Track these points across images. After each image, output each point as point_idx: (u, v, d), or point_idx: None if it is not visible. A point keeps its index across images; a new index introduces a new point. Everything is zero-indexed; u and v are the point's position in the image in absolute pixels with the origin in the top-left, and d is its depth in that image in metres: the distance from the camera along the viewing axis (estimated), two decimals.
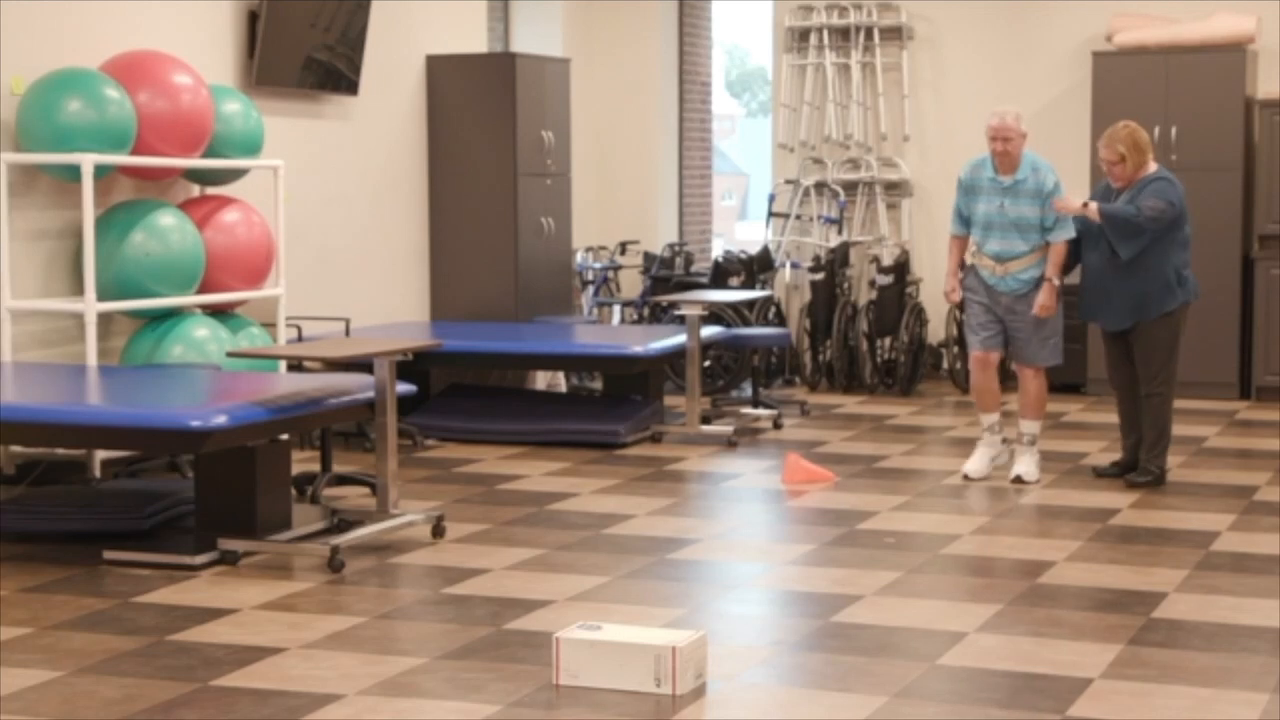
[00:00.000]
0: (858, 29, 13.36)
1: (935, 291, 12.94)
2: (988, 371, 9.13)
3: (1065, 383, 12.48)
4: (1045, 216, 8.90)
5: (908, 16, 13.26)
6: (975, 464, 9.19)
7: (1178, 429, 10.85)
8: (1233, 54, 12.04)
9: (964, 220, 9.18)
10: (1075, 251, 9.01)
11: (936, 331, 13.06)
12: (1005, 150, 8.89)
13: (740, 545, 7.68)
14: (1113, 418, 11.25)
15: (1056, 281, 8.90)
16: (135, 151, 8.89)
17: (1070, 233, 8.93)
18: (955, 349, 12.61)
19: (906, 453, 9.97)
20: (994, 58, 13.11)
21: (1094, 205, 8.73)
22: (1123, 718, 5.12)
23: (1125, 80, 12.18)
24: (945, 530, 7.85)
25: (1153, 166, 8.89)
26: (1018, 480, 9.01)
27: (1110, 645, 5.91)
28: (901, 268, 12.62)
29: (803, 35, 13.54)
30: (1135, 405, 9.05)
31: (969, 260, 9.20)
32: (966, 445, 10.20)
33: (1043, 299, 8.88)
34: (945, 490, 8.82)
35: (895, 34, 13.33)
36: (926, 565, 7.17)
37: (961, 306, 9.47)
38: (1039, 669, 5.63)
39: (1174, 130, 12.09)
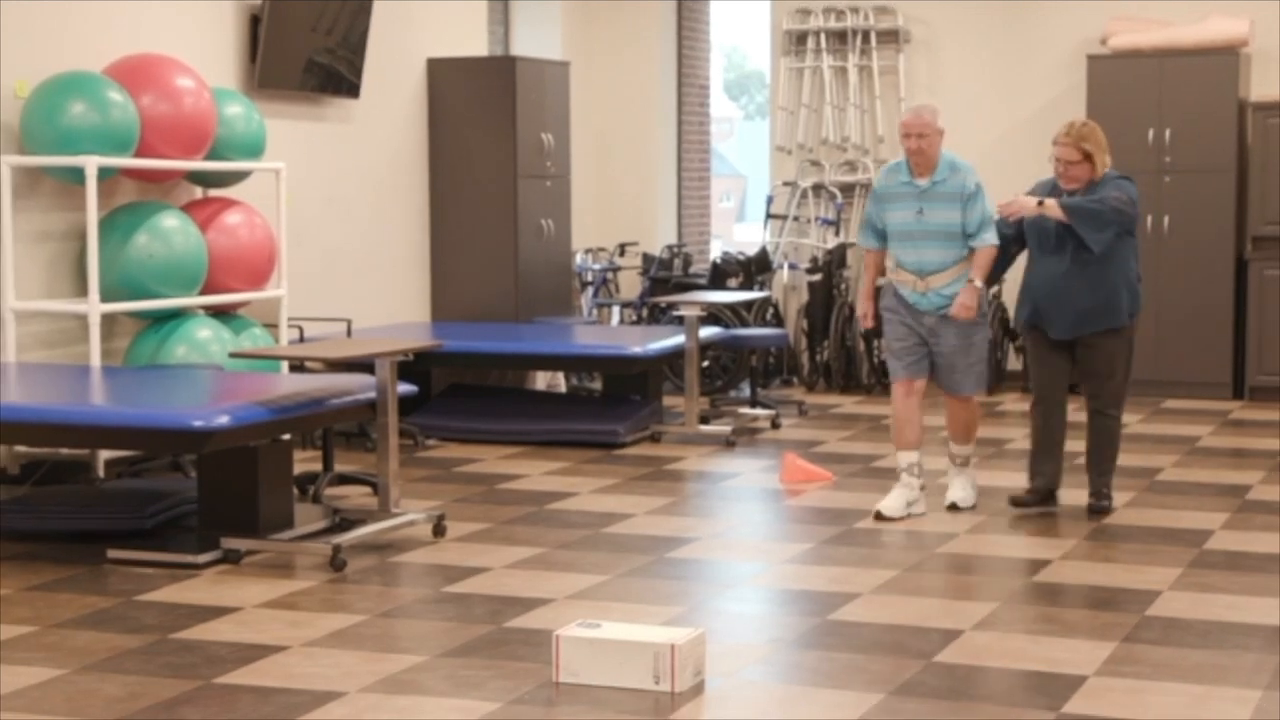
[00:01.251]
0: (854, 32, 13.37)
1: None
2: (911, 400, 8.15)
3: None
4: (967, 221, 8.00)
5: (904, 20, 13.27)
6: (891, 502, 8.12)
7: (1171, 428, 10.87)
8: (1226, 57, 12.05)
9: (878, 233, 8.23)
10: (1002, 259, 8.23)
11: None
12: (920, 148, 7.99)
13: (738, 544, 7.69)
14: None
15: (979, 283, 8.02)
16: (138, 154, 8.90)
17: (995, 237, 8.05)
18: None
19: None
20: (989, 61, 13.12)
21: (1051, 202, 7.89)
22: (1117, 715, 5.12)
23: (1120, 83, 12.18)
24: (941, 529, 7.85)
25: (1108, 168, 8.12)
26: (953, 507, 8.26)
27: (1105, 643, 5.91)
28: None
29: (800, 38, 13.55)
30: (1064, 427, 8.24)
31: (888, 276, 8.30)
32: None
33: (963, 298, 7.98)
34: (939, 490, 8.82)
35: (892, 37, 13.33)
36: (923, 563, 7.17)
37: (878, 331, 8.55)
38: (1034, 666, 5.64)
39: (1168, 133, 12.10)
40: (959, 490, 8.35)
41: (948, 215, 7.98)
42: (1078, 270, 7.95)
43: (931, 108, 8.15)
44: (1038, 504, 8.19)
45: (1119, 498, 8.52)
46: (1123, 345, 8.07)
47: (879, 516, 8.03)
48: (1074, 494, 8.63)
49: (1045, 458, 8.20)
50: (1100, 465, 8.21)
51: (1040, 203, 7.91)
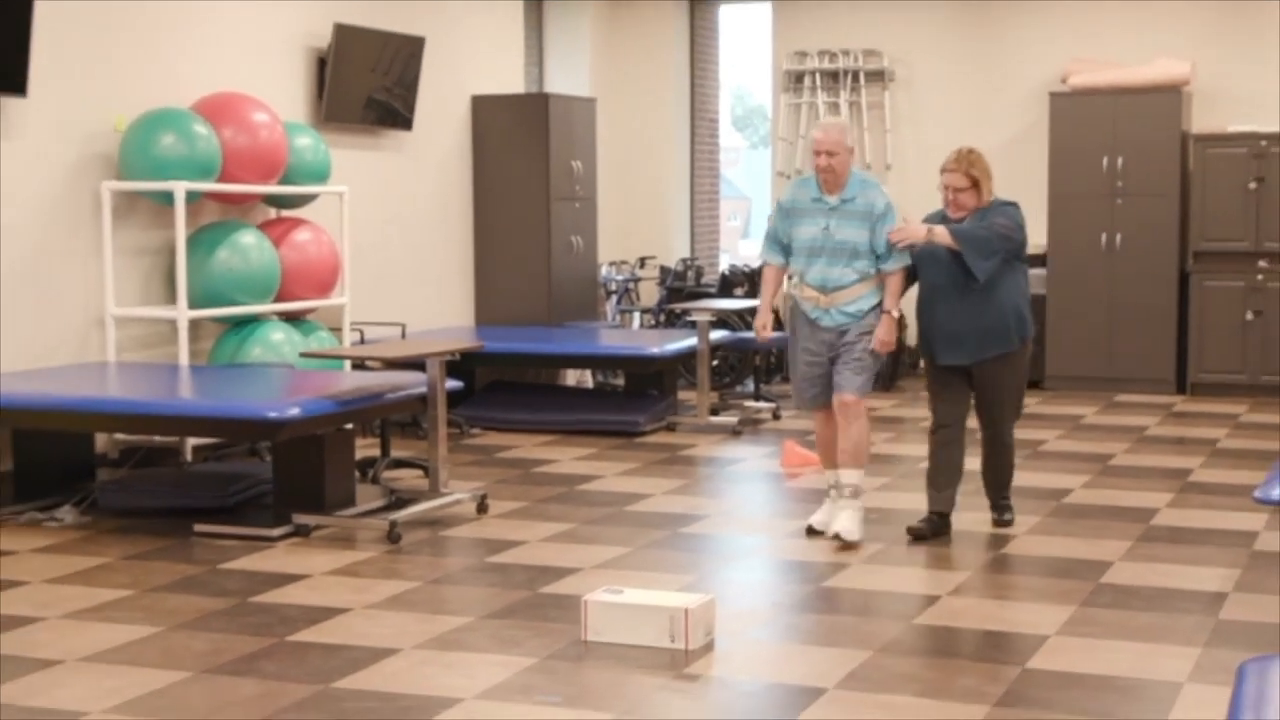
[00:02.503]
0: (845, 73, 13.35)
1: (912, 299, 12.93)
2: (832, 422, 7.17)
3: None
4: (877, 242, 7.07)
5: (889, 62, 13.25)
6: (845, 524, 7.03)
7: (1122, 419, 10.85)
8: (1171, 95, 12.02)
9: (781, 247, 7.28)
10: (911, 280, 7.34)
11: (913, 335, 13.03)
12: (830, 165, 7.05)
13: (744, 520, 7.69)
14: (1071, 408, 11.26)
15: (896, 313, 7.13)
16: (221, 179, 8.92)
17: (906, 259, 7.14)
18: None
19: (888, 440, 9.97)
20: (964, 97, 13.10)
21: (940, 229, 7.01)
22: (1075, 669, 5.13)
23: (1078, 117, 12.16)
24: (921, 507, 7.82)
25: (994, 195, 7.20)
26: (836, 538, 7.01)
27: (1064, 606, 5.92)
28: None
29: (798, 78, 13.54)
30: (962, 451, 7.28)
31: (790, 292, 7.40)
32: None
33: (882, 333, 7.06)
34: (920, 473, 8.80)
35: (878, 77, 13.32)
36: (904, 537, 7.17)
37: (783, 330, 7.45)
38: (1002, 627, 5.65)
39: (1120, 160, 12.07)
40: (844, 521, 7.01)
41: (855, 233, 7.07)
42: (966, 297, 7.09)
43: (841, 125, 7.28)
44: (935, 534, 7.16)
45: (1076, 479, 8.51)
46: (1013, 369, 7.21)
47: (842, 543, 6.95)
48: (1038, 476, 8.62)
49: (943, 484, 7.26)
50: (998, 485, 7.42)
51: (930, 230, 7.07)
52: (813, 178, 7.20)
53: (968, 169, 7.06)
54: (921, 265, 7.19)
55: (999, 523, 7.36)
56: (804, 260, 7.18)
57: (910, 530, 7.15)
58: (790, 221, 7.23)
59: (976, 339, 7.08)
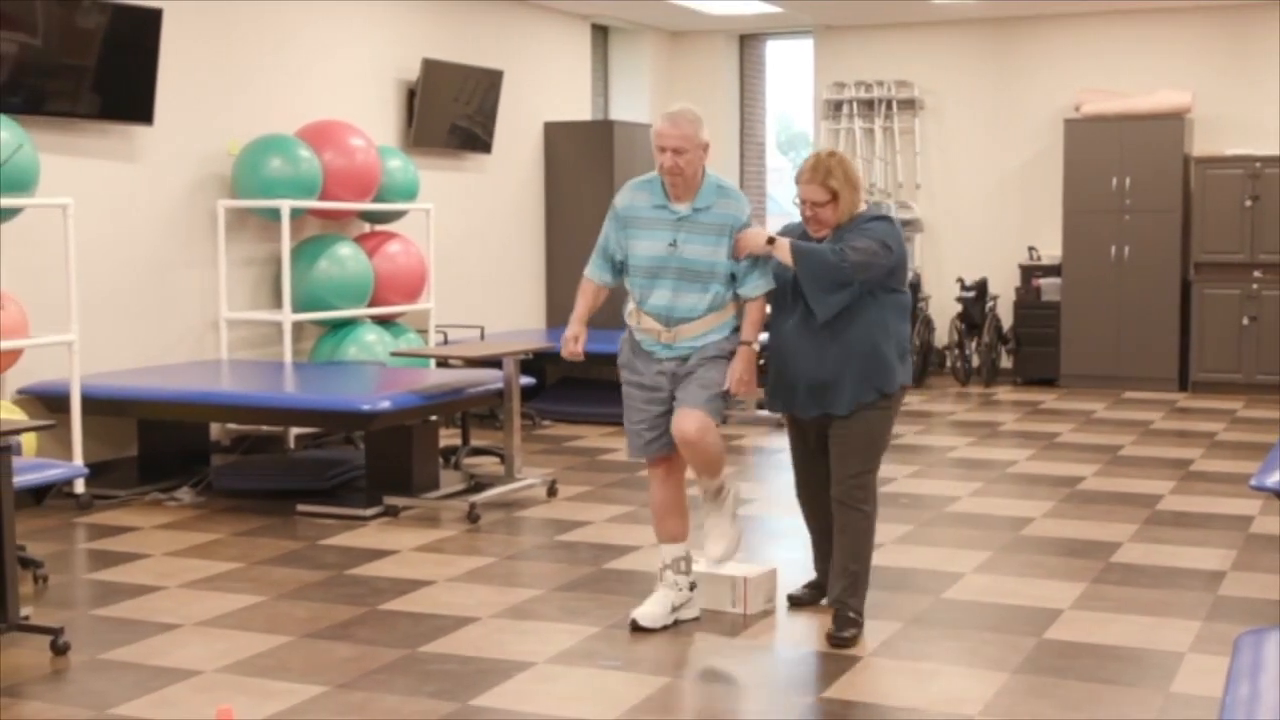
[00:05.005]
0: (880, 101, 13.29)
1: (941, 305, 12.87)
2: (670, 481, 5.22)
3: (1040, 377, 12.38)
4: (738, 262, 5.04)
5: (919, 91, 13.18)
6: (649, 608, 5.16)
7: (1129, 414, 10.74)
8: (1173, 121, 11.90)
9: (610, 264, 5.23)
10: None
11: (941, 337, 12.99)
12: (678, 167, 4.96)
13: (788, 503, 7.63)
14: (1083, 404, 11.17)
15: (756, 346, 5.07)
16: (321, 198, 8.96)
17: (771, 283, 5.09)
18: (956, 350, 12.50)
19: (918, 432, 9.92)
20: (986, 123, 13.01)
21: (784, 242, 5.00)
22: (1086, 640, 5.08)
23: (1089, 142, 12.06)
24: (948, 493, 7.80)
25: (863, 206, 5.14)
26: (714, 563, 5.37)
27: (1077, 583, 5.87)
28: (914, 287, 12.53)
29: (837, 106, 13.48)
30: (829, 517, 5.25)
31: (626, 320, 5.20)
32: (966, 427, 10.13)
33: (740, 370, 5.01)
34: (948, 462, 8.77)
35: (909, 105, 13.25)
36: (934, 520, 7.13)
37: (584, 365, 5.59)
38: (1021, 601, 5.60)
39: (1128, 181, 11.97)
40: (716, 545, 5.30)
41: (708, 251, 5.01)
42: (815, 334, 5.05)
43: (691, 115, 5.08)
44: (818, 598, 5.47)
45: (1088, 468, 8.42)
46: (875, 422, 5.10)
47: (635, 627, 5.13)
48: (1054, 465, 8.55)
49: (819, 554, 5.46)
50: (844, 573, 5.13)
51: (771, 240, 5.02)
52: (656, 179, 5.11)
53: (825, 179, 5.02)
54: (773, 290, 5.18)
55: (834, 638, 5.00)
56: (643, 283, 5.09)
57: (790, 597, 5.48)
58: (627, 233, 5.13)
59: (819, 388, 5.08)
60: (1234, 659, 3.46)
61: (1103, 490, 7.88)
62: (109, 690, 4.59)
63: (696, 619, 5.29)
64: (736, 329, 5.12)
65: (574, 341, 5.25)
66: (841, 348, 5.02)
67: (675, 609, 5.22)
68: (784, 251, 4.98)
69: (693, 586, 5.26)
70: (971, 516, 7.22)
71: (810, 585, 5.54)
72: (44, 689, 4.62)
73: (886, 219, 5.09)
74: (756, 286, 5.08)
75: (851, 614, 5.08)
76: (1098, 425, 10.17)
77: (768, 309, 5.19)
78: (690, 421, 5.00)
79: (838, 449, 5.11)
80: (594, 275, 5.29)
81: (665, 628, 5.16)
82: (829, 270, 4.93)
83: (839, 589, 5.12)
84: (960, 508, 7.43)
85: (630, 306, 5.18)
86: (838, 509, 5.13)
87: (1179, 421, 10.43)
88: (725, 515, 5.30)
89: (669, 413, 5.08)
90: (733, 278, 5.07)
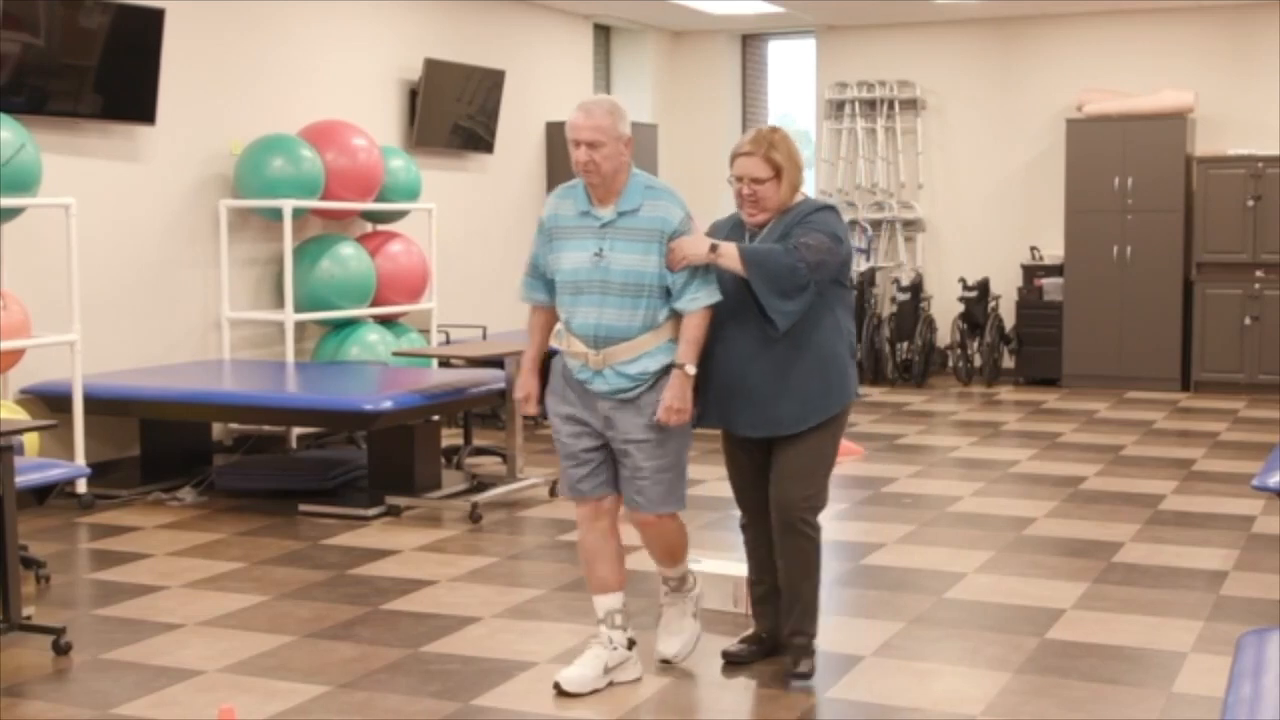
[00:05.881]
0: (882, 101, 13.28)
1: (943, 305, 12.87)
2: (600, 525, 4.58)
3: (1042, 377, 12.38)
4: (674, 272, 4.41)
5: (921, 91, 13.17)
6: (576, 670, 4.52)
7: (1131, 413, 10.74)
8: (1176, 121, 11.90)
9: (543, 281, 4.59)
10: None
11: (943, 337, 12.99)
12: (592, 161, 4.37)
13: None
14: (1085, 404, 11.17)
15: (691, 370, 4.41)
16: (323, 197, 8.96)
17: (714, 294, 4.44)
18: (958, 350, 12.50)
19: (920, 432, 9.92)
20: (988, 123, 13.00)
21: (730, 248, 4.42)
22: (1089, 640, 5.08)
23: (1091, 141, 12.05)
24: (950, 493, 7.80)
25: (801, 195, 4.64)
26: (665, 663, 4.77)
27: (1079, 583, 5.86)
28: (916, 287, 12.52)
29: (839, 106, 13.48)
30: (771, 548, 4.73)
31: (554, 344, 4.63)
32: (968, 426, 10.13)
33: (670, 397, 4.38)
34: (950, 462, 8.77)
35: (911, 105, 13.24)
36: (936, 520, 7.13)
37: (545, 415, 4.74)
38: (1023, 601, 5.60)
39: (1130, 181, 11.96)
40: (673, 642, 4.77)
41: (637, 260, 4.39)
42: (769, 346, 4.50)
43: (609, 105, 4.46)
44: (758, 656, 4.82)
45: (1090, 467, 8.42)
46: (824, 441, 4.63)
47: (560, 692, 4.48)
48: (1057, 465, 8.54)
49: (759, 595, 4.89)
50: (794, 603, 4.69)
51: (714, 247, 4.43)
52: (580, 184, 4.53)
53: (768, 151, 4.55)
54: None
55: (794, 675, 4.62)
56: (569, 300, 4.48)
57: (726, 655, 4.83)
58: (552, 245, 4.52)
59: (768, 408, 4.55)
60: (1236, 659, 3.46)
61: (1105, 490, 7.87)
62: (111, 690, 4.59)
63: (637, 680, 4.59)
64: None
65: (526, 403, 4.68)
66: (802, 359, 4.49)
67: (609, 669, 4.54)
68: (732, 259, 4.40)
69: (631, 644, 4.58)
70: (973, 516, 7.22)
71: (749, 640, 4.87)
72: (46, 689, 4.62)
73: (830, 208, 4.59)
74: (695, 299, 4.42)
75: (809, 641, 4.68)
76: (1100, 425, 10.17)
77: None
78: (646, 518, 4.53)
79: (788, 469, 4.58)
80: (527, 295, 4.64)
81: (596, 691, 4.48)
82: (786, 273, 4.37)
83: (795, 615, 4.68)
84: (962, 507, 7.42)
85: (557, 327, 4.60)
86: (785, 534, 4.60)
87: (1181, 421, 10.42)
88: (687, 608, 4.79)
89: (601, 448, 4.51)
90: (668, 291, 4.43)
